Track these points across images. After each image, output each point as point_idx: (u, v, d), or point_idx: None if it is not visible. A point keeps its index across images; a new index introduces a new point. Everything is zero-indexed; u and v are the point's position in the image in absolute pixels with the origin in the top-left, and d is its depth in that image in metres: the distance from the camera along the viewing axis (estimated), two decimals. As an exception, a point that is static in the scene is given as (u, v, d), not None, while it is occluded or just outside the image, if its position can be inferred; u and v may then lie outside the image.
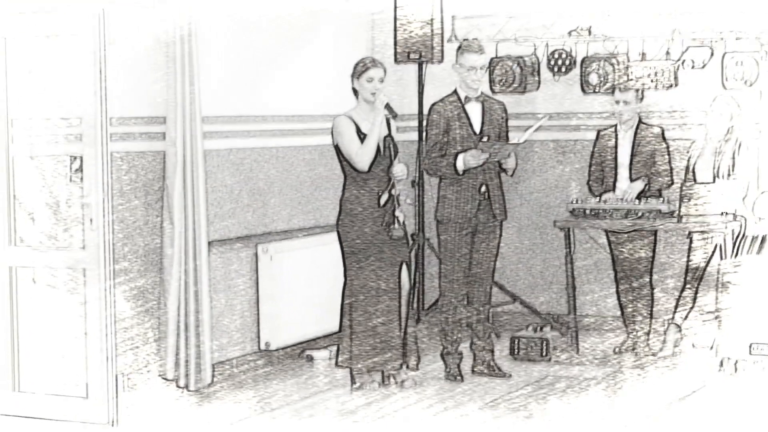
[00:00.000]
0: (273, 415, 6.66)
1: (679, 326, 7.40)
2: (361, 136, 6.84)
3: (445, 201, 7.15)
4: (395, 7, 8.03)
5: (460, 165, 7.05)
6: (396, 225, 6.92)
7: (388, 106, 6.86)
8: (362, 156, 6.82)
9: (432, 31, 8.00)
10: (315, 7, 7.69)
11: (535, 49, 8.13)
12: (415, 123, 8.25)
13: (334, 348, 7.16)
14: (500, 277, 7.40)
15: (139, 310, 6.74)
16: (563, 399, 6.79)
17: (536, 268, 8.50)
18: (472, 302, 7.22)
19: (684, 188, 7.31)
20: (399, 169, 6.92)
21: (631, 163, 7.58)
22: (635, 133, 7.59)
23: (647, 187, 7.53)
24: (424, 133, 7.85)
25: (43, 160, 6.72)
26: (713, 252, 7.32)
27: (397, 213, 6.93)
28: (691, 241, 7.43)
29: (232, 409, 6.77)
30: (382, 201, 6.88)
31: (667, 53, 7.76)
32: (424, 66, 8.20)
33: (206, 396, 6.87)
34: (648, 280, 7.57)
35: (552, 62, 8.10)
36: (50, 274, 6.72)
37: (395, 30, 8.07)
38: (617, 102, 7.61)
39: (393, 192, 6.91)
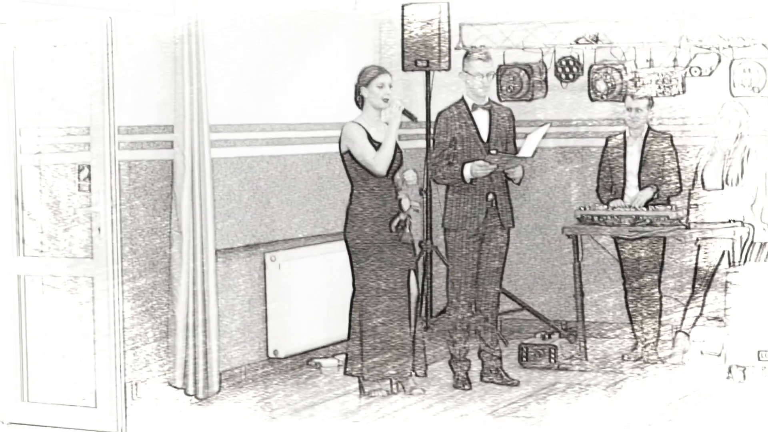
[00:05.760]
0: (283, 421, 6.65)
1: (687, 333, 7.39)
2: (373, 143, 6.84)
3: (452, 208, 7.14)
4: (402, 15, 8.03)
5: (467, 174, 7.04)
6: (408, 230, 6.93)
7: (406, 111, 6.86)
8: (380, 160, 6.82)
9: (439, 38, 7.99)
10: (320, 15, 7.70)
11: (542, 56, 8.13)
12: (423, 131, 8.26)
13: (343, 356, 7.15)
14: (504, 283, 7.39)
15: (140, 310, 6.73)
16: (569, 402, 6.78)
17: (537, 271, 8.50)
18: (480, 309, 7.22)
19: (692, 195, 7.30)
20: (410, 176, 6.92)
21: (639, 171, 7.56)
22: (644, 141, 7.57)
23: (656, 195, 7.51)
24: (431, 141, 7.85)
25: (49, 168, 6.71)
26: (721, 259, 7.32)
27: (403, 217, 6.93)
28: (699, 249, 7.42)
29: (239, 417, 6.76)
30: (393, 226, 6.89)
31: (675, 60, 7.77)
32: (431, 74, 8.21)
33: (214, 404, 6.87)
34: (656, 286, 7.56)
35: (560, 70, 8.10)
36: (57, 283, 6.71)
37: (402, 38, 8.07)
38: (629, 109, 7.57)
39: (402, 217, 6.91)
